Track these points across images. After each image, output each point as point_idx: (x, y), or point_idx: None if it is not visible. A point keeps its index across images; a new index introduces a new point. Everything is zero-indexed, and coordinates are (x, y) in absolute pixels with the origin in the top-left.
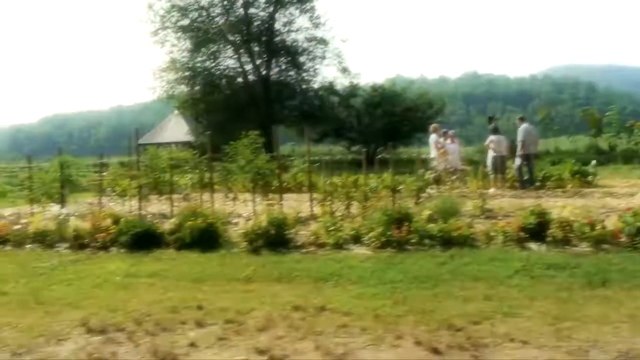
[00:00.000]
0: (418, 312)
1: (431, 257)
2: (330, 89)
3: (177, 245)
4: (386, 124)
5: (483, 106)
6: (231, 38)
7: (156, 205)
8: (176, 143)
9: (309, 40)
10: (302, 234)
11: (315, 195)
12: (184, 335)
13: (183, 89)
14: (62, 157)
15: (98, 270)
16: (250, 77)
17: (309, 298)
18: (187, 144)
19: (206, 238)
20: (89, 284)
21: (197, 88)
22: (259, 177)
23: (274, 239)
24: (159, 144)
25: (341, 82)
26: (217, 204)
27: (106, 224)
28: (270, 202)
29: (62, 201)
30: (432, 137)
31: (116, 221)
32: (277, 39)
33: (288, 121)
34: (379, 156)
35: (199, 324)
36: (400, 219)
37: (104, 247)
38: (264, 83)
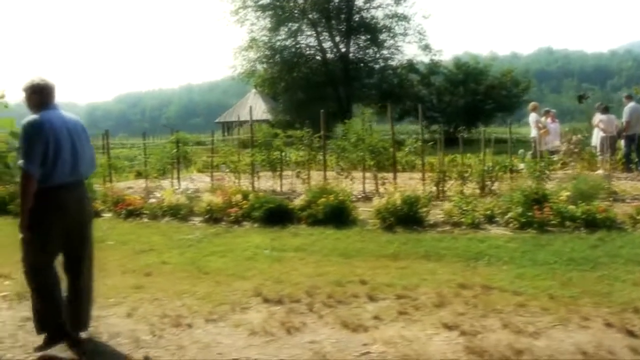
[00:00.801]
0: (592, 294)
1: (579, 239)
2: (410, 66)
3: (310, 222)
4: (467, 102)
5: (557, 84)
6: (311, 16)
7: (267, 182)
8: (254, 121)
9: (390, 17)
10: (433, 213)
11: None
12: (363, 309)
13: (262, 67)
14: (178, 134)
15: (243, 244)
16: (329, 56)
17: (467, 276)
18: (265, 122)
19: (337, 215)
20: (242, 257)
21: (276, 67)
22: (373, 154)
23: (407, 217)
24: (238, 122)
25: (420, 60)
26: (330, 182)
27: (237, 199)
28: (384, 180)
29: (177, 176)
30: (533, 116)
31: (245, 197)
32: (357, 16)
33: (367, 100)
34: (460, 135)
35: (371, 298)
36: (538, 200)
37: (237, 222)
38: (343, 61)
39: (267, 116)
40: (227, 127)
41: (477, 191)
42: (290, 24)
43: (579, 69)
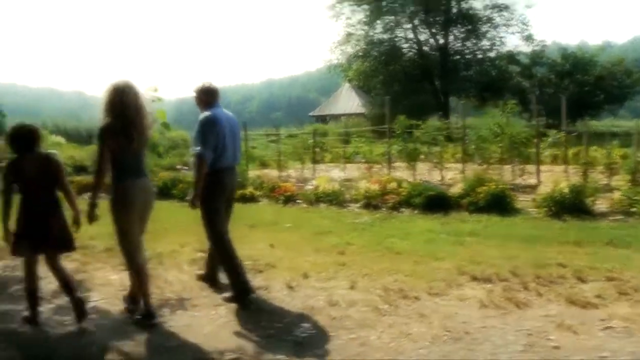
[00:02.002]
0: None
1: None
2: (511, 57)
3: (471, 209)
4: (572, 94)
5: None
6: (408, 8)
7: (401, 172)
8: (348, 115)
9: (490, 7)
10: (598, 203)
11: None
12: (578, 288)
13: (358, 61)
14: (315, 125)
15: (415, 228)
16: (426, 48)
17: None
18: (360, 116)
19: (498, 203)
20: (421, 239)
21: (372, 60)
22: (514, 146)
23: (573, 205)
24: (332, 116)
25: (521, 50)
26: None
27: (392, 187)
28: (523, 171)
29: (314, 165)
30: None
31: (399, 185)
32: (455, 7)
33: (464, 93)
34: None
35: (581, 280)
36: None
37: (395, 208)
38: (440, 54)
39: (361, 110)
40: (322, 120)
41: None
42: (386, 17)
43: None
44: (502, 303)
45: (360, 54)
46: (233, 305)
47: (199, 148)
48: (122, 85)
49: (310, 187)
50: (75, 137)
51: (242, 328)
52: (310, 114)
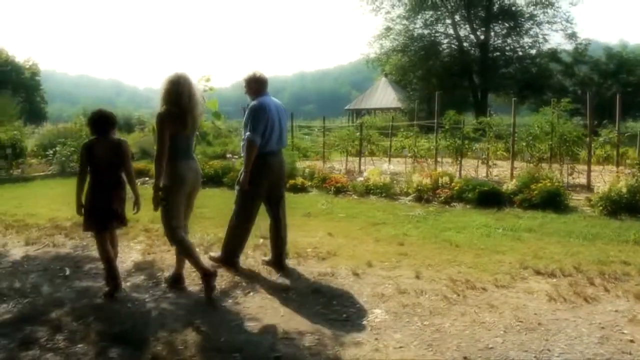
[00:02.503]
0: None
1: None
2: (552, 55)
3: (525, 206)
4: (613, 94)
5: None
6: (449, 3)
7: (448, 167)
8: (384, 109)
9: (533, 4)
10: None
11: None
12: None
13: (396, 55)
14: (363, 118)
15: (470, 222)
16: (466, 44)
17: None
18: (396, 110)
19: (552, 200)
20: (477, 233)
21: (411, 55)
22: (566, 144)
23: (630, 205)
24: (367, 110)
25: (563, 49)
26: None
27: (444, 181)
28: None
29: (359, 157)
30: None
31: (451, 179)
32: (497, 3)
33: (504, 90)
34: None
35: None
36: None
37: (446, 202)
38: (480, 50)
39: (397, 104)
40: (356, 114)
41: None
42: (426, 12)
43: None
44: (570, 297)
45: (399, 48)
46: (303, 289)
47: (248, 133)
48: (177, 76)
49: (361, 179)
50: None
51: (316, 311)
52: (346, 107)
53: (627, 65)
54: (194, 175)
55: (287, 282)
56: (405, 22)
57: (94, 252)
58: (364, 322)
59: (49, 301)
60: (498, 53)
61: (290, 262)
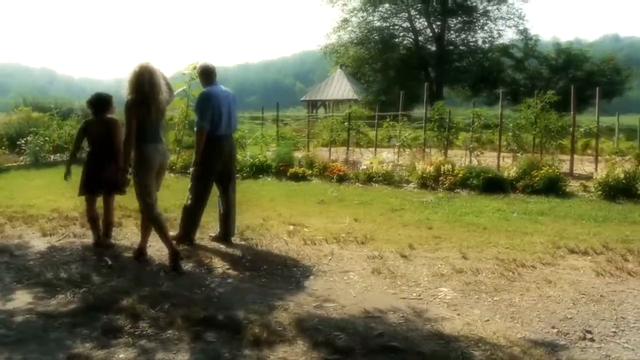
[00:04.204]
0: None
1: None
2: (505, 50)
3: (527, 191)
4: (560, 88)
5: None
6: None
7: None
8: (341, 101)
9: (487, 0)
10: None
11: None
12: None
13: (354, 47)
14: (351, 109)
15: (482, 207)
16: (422, 38)
17: None
18: (353, 102)
19: (552, 186)
20: (495, 217)
21: (369, 47)
22: (551, 134)
23: (625, 189)
24: (323, 102)
25: (515, 44)
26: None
27: (446, 169)
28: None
29: (347, 147)
30: None
31: (453, 167)
32: None
33: (458, 83)
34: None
35: None
36: None
37: (451, 189)
38: (436, 43)
39: (354, 96)
40: (313, 105)
41: None
42: (383, 5)
43: (628, 58)
44: (614, 272)
45: (357, 40)
46: (361, 270)
47: (196, 121)
48: (139, 66)
49: (363, 167)
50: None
51: (385, 291)
52: (302, 99)
53: (575, 60)
54: (160, 157)
55: (340, 265)
56: (362, 14)
57: (123, 241)
58: (437, 300)
59: (108, 290)
60: (453, 47)
61: (333, 246)
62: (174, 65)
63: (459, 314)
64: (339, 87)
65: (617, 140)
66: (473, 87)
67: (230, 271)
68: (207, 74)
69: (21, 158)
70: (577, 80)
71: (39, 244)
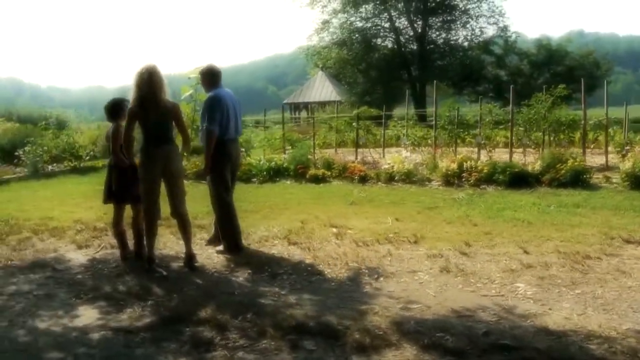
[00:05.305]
0: None
1: None
2: (485, 47)
3: (554, 185)
4: (541, 83)
5: None
6: None
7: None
8: (324, 102)
9: None
10: None
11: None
12: None
13: (336, 49)
14: (360, 109)
15: (517, 202)
16: (404, 37)
17: None
18: (337, 103)
19: (577, 178)
20: (534, 211)
21: (353, 49)
22: (562, 128)
23: None
24: (305, 104)
25: (495, 42)
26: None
27: (469, 165)
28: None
29: (356, 148)
30: None
31: (475, 164)
32: None
33: (442, 81)
34: None
35: None
36: None
37: (476, 185)
38: (418, 42)
39: (337, 97)
40: (295, 107)
41: None
42: (362, 5)
43: (610, 53)
44: None
45: (339, 42)
46: (428, 269)
47: (206, 124)
48: (141, 68)
49: (385, 166)
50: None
51: (463, 289)
52: (285, 101)
53: (555, 56)
54: (162, 159)
55: (404, 266)
56: (344, 15)
57: (164, 250)
58: (519, 296)
59: (179, 301)
60: (434, 46)
61: (388, 247)
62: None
63: (550, 309)
64: (321, 89)
65: (626, 131)
66: (456, 85)
67: (294, 276)
68: (212, 76)
69: (18, 169)
70: (558, 75)
71: (78, 256)
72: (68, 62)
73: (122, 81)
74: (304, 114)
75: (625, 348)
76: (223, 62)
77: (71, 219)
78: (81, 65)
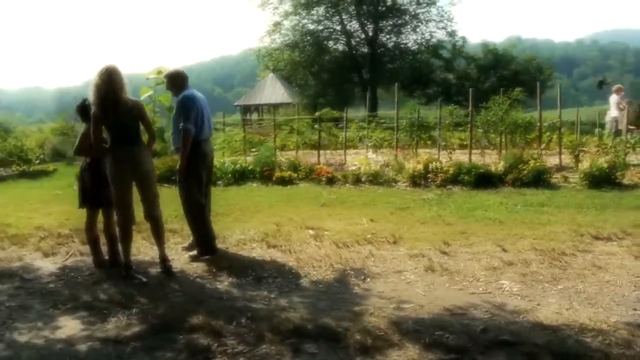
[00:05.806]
0: None
1: None
2: (434, 51)
3: (517, 184)
4: (489, 87)
5: None
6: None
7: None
8: (276, 105)
9: (416, 2)
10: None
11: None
12: None
13: (287, 51)
14: (322, 112)
15: (484, 201)
16: (355, 40)
17: None
18: (287, 105)
19: (539, 178)
20: (502, 210)
21: (305, 51)
22: (520, 129)
23: (607, 179)
24: (256, 106)
25: (444, 46)
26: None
27: (434, 167)
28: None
29: (318, 150)
30: (614, 98)
31: (440, 165)
32: (384, 1)
33: (392, 84)
34: None
35: None
36: None
37: (442, 186)
38: (368, 46)
39: (288, 100)
40: (246, 110)
41: None
42: (313, 8)
43: (547, 58)
44: None
45: (291, 44)
46: (413, 269)
47: (182, 124)
48: (100, 69)
49: (352, 168)
50: None
51: (450, 287)
52: (236, 103)
53: (502, 60)
54: (130, 161)
55: (391, 267)
56: (295, 17)
57: (140, 256)
58: (506, 292)
59: (166, 308)
60: (385, 49)
61: (369, 248)
62: (83, 73)
63: (538, 305)
64: (273, 91)
65: (578, 133)
66: (406, 87)
67: (279, 279)
68: (183, 79)
69: None
70: (504, 79)
71: (46, 265)
72: (1, 61)
73: (61, 82)
74: (254, 116)
75: (619, 340)
76: (170, 63)
77: (31, 225)
78: (16, 65)
